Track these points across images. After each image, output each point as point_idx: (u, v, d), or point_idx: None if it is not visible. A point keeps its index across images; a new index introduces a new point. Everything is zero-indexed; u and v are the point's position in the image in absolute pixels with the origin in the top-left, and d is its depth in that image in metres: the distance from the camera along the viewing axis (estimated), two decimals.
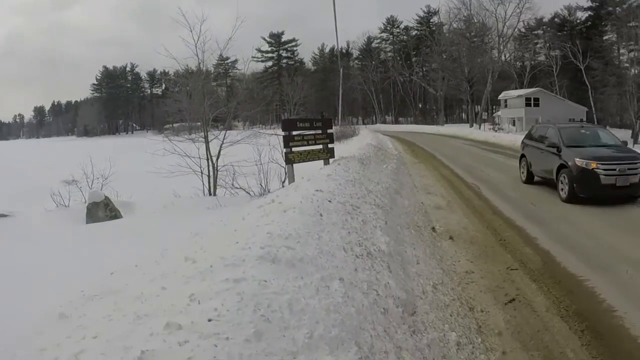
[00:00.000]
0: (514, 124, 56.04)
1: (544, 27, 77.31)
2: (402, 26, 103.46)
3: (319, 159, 14.25)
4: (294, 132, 13.62)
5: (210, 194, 16.43)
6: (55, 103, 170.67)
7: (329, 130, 14.78)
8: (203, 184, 16.64)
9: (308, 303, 3.41)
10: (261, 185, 15.05)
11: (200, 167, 16.62)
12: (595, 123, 61.51)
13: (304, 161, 13.69)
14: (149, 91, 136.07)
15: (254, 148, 16.12)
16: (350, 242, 5.33)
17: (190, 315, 2.91)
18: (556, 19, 77.21)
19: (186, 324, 2.78)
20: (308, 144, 14.00)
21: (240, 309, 3.02)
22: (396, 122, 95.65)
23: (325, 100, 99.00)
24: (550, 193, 12.73)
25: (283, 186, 14.69)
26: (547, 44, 75.11)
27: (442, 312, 5.27)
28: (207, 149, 16.60)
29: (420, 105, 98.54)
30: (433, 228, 9.26)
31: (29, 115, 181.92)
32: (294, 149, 13.31)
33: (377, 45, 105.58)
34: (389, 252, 5.67)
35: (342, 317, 3.45)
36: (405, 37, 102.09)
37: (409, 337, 4.07)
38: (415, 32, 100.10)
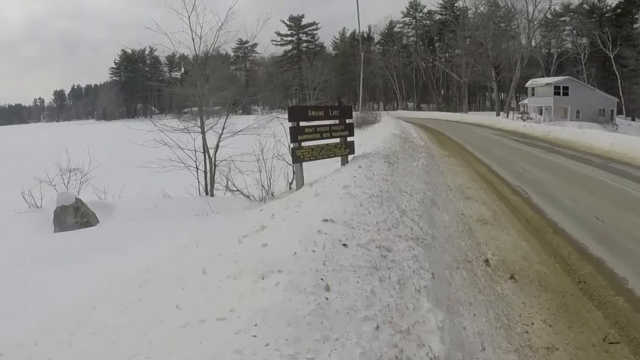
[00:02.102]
0: (540, 113, 52.98)
1: (572, 13, 74.31)
2: (425, 10, 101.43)
3: (335, 156, 11.80)
4: (304, 123, 11.15)
5: (206, 193, 13.95)
6: (75, 87, 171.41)
7: (348, 121, 12.22)
8: (198, 181, 14.11)
9: None
10: (263, 187, 12.50)
11: (196, 161, 14.09)
12: (625, 114, 59.08)
13: (316, 159, 11.26)
14: (167, 75, 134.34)
15: (256, 140, 13.56)
16: (380, 358, 2.75)
17: None
18: (584, 5, 74.27)
19: None
20: (322, 137, 11.47)
21: None
22: (418, 108, 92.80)
23: (345, 85, 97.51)
24: (610, 201, 10.33)
25: (290, 188, 12.33)
26: (575, 31, 72.22)
27: None
28: (204, 140, 14.10)
29: (443, 92, 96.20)
30: (486, 261, 6.74)
31: (49, 99, 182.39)
32: (303, 144, 10.88)
33: (399, 30, 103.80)
34: (446, 355, 3.15)
35: None
36: (428, 21, 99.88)
37: None
38: (439, 16, 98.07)
